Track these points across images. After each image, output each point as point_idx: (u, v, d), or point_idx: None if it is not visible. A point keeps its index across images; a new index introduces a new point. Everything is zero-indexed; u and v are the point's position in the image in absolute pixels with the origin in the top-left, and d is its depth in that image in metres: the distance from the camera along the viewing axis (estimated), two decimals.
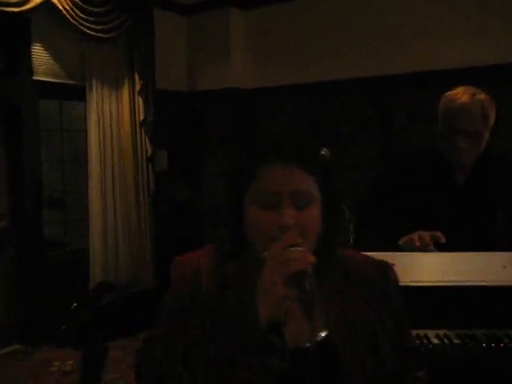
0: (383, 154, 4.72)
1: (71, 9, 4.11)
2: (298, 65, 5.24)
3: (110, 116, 4.59)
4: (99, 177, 4.51)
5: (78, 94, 4.47)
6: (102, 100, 4.53)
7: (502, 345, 1.63)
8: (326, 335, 0.98)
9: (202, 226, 5.45)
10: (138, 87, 4.72)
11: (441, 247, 1.88)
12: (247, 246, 1.16)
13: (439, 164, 2.09)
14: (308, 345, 1.00)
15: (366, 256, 1.26)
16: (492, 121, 2.03)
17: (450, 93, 2.09)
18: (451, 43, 4.40)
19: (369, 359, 1.09)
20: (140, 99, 4.75)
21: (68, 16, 4.09)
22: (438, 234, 1.88)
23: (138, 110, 4.77)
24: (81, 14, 4.19)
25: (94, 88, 4.46)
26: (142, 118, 4.77)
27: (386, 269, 1.22)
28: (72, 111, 4.82)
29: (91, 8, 4.28)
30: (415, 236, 1.90)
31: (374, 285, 1.18)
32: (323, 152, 2.87)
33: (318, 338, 0.98)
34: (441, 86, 2.22)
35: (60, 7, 4.03)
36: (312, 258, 1.01)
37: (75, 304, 4.08)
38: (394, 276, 1.23)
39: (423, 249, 1.86)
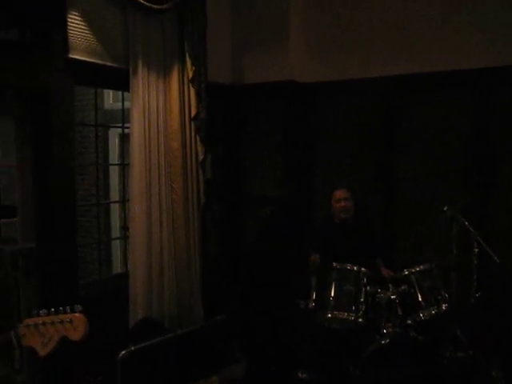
0: None
1: None
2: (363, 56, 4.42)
3: (157, 109, 3.63)
4: (144, 186, 3.54)
5: (120, 81, 3.50)
6: (148, 89, 3.57)
7: None
8: None
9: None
10: (190, 75, 3.78)
11: None
12: None
13: None
14: None
15: None
16: None
17: None
18: None
19: None
20: (192, 90, 3.81)
21: None
22: None
23: (189, 104, 3.83)
24: None
25: (140, 73, 3.49)
26: (193, 113, 3.83)
27: None
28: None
29: None
30: None
31: None
32: None
33: None
34: None
35: None
36: None
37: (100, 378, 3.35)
38: None
39: None
